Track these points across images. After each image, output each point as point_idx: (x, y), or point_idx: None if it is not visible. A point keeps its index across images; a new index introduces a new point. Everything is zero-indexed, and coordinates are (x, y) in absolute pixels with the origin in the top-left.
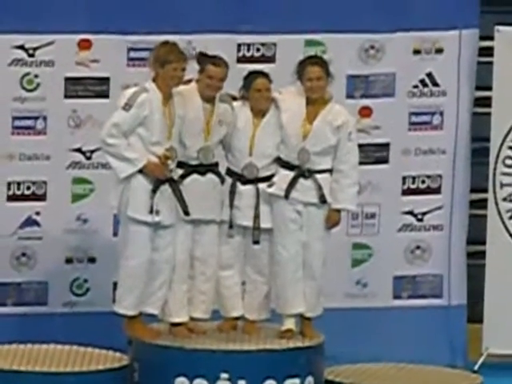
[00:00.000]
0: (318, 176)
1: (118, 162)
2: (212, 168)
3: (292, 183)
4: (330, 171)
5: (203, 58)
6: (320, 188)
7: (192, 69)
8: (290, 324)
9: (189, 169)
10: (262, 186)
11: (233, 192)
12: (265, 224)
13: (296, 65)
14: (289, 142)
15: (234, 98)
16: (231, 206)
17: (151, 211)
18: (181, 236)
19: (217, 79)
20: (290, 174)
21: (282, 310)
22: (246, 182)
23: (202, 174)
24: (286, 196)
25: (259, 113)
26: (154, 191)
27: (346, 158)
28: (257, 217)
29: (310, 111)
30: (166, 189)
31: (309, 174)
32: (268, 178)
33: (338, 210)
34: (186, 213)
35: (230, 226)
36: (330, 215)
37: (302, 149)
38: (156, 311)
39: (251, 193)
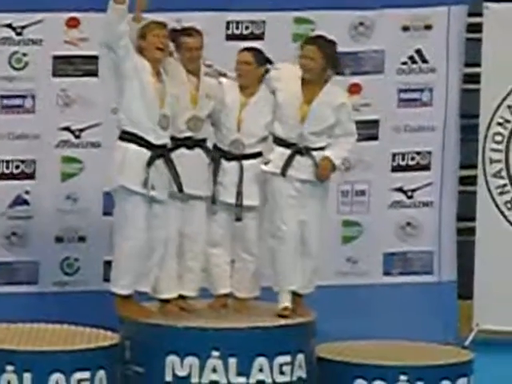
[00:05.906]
0: (315, 153)
1: None
2: (200, 143)
3: (288, 161)
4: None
5: (176, 34)
6: (317, 165)
7: None
8: (286, 301)
9: (177, 142)
10: (246, 163)
11: (217, 168)
12: (250, 201)
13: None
14: (286, 121)
15: (224, 75)
16: (215, 182)
17: (145, 184)
18: (171, 212)
19: (196, 49)
20: (287, 152)
21: (279, 286)
22: (231, 158)
23: (190, 148)
24: (283, 173)
25: (248, 90)
26: (149, 165)
27: (344, 138)
28: (239, 194)
29: (307, 92)
30: (160, 163)
31: (305, 151)
32: (253, 156)
33: (329, 159)
34: (180, 189)
35: (213, 202)
36: (320, 163)
37: (300, 131)
38: (148, 289)
39: (235, 169)
